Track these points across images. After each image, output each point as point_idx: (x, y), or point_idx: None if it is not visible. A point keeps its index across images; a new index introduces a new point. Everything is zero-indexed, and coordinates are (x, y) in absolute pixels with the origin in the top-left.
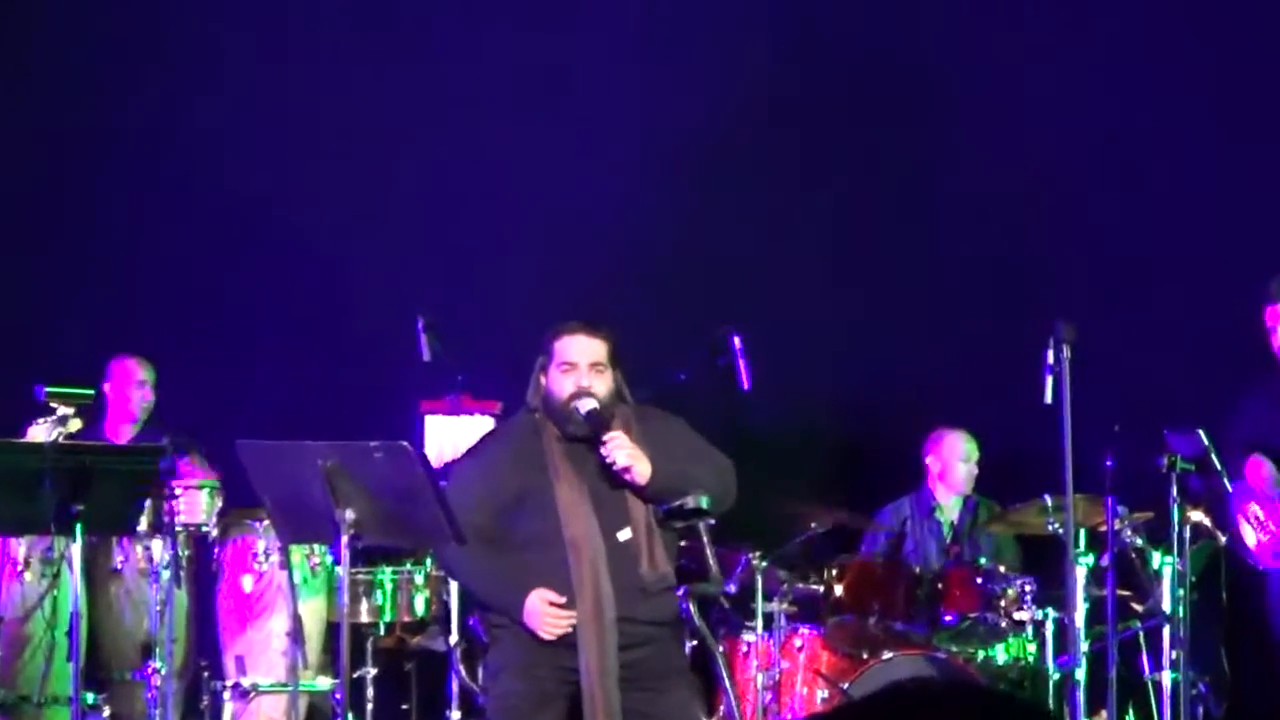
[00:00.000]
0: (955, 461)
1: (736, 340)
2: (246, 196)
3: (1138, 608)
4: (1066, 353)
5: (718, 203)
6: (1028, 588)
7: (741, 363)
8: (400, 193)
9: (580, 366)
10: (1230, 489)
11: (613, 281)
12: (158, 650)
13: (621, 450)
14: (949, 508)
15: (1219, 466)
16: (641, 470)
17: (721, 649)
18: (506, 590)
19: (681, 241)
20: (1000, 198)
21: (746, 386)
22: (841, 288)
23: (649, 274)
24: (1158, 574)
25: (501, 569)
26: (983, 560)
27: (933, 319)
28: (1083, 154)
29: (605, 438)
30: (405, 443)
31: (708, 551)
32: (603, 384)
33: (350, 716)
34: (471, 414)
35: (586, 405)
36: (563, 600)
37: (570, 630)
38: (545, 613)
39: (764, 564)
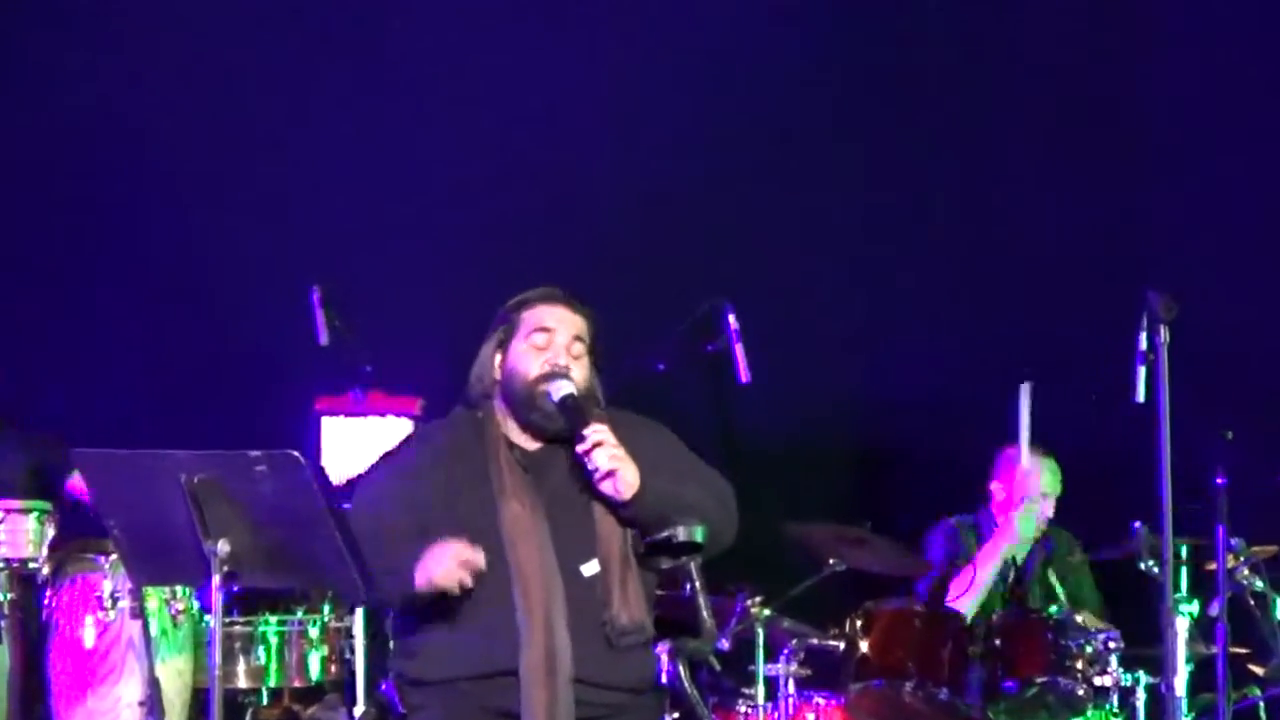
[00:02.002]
0: (1021, 499)
1: (732, 319)
2: (88, 141)
3: (1257, 670)
4: (1164, 335)
5: (707, 150)
6: (1113, 644)
7: (738, 348)
8: (291, 132)
9: (558, 336)
10: None
11: (570, 244)
12: None
13: (604, 450)
14: (1015, 546)
15: None
16: (627, 478)
17: None
18: (396, 569)
19: (660, 197)
20: (1073, 140)
21: (744, 379)
22: (867, 254)
23: (617, 237)
24: None
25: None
26: (1054, 609)
27: (986, 294)
28: (1180, 84)
29: (585, 431)
30: (295, 452)
31: (699, 598)
32: (581, 370)
33: None
34: (383, 414)
35: (561, 389)
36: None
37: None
38: (449, 552)
39: (767, 612)
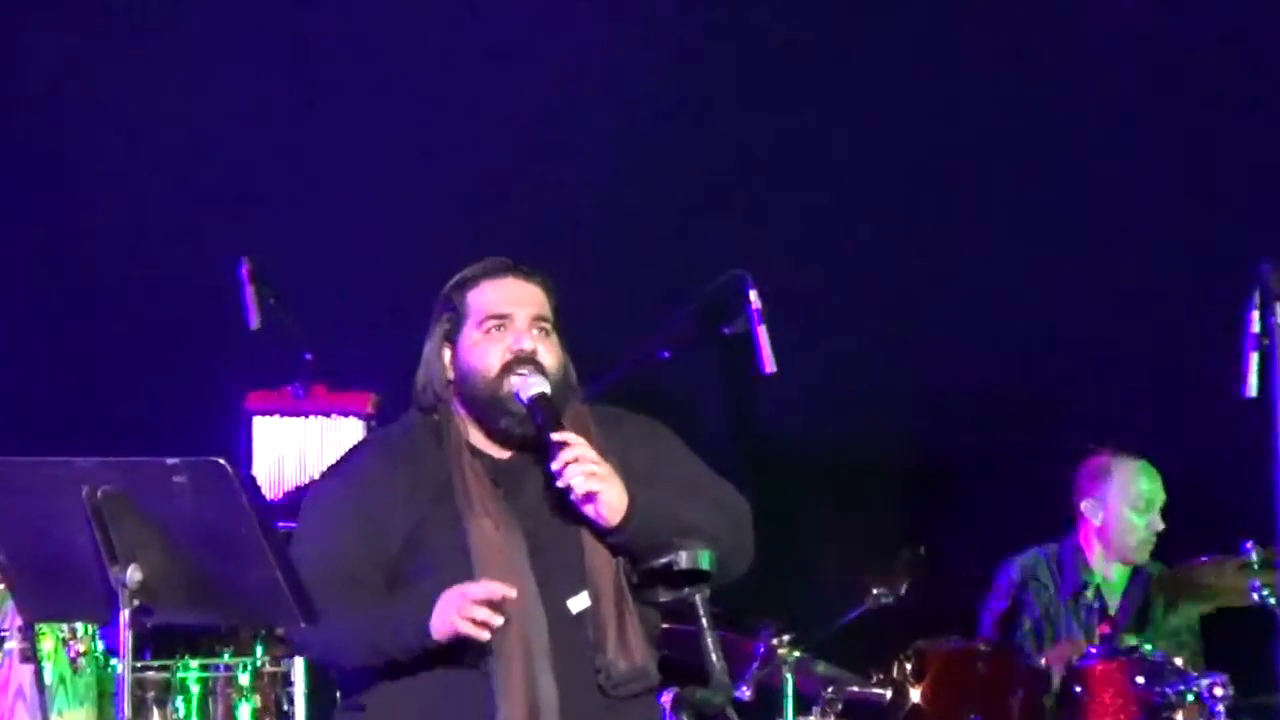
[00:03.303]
0: (1126, 512)
1: (753, 295)
2: None
3: None
4: None
5: (718, 97)
6: (1218, 690)
7: (760, 331)
8: (211, 78)
9: (516, 320)
10: None
11: (553, 210)
12: None
13: (578, 468)
14: (1111, 582)
15: None
16: (611, 499)
17: None
18: (401, 618)
19: (659, 151)
20: (1167, 86)
21: (768, 368)
22: (917, 216)
23: (608, 198)
24: None
25: (388, 606)
26: (1148, 647)
27: (1059, 268)
28: None
29: (556, 438)
30: (221, 459)
31: (707, 638)
32: (550, 354)
33: None
34: (327, 414)
35: (533, 387)
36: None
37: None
38: (462, 595)
39: (796, 654)
